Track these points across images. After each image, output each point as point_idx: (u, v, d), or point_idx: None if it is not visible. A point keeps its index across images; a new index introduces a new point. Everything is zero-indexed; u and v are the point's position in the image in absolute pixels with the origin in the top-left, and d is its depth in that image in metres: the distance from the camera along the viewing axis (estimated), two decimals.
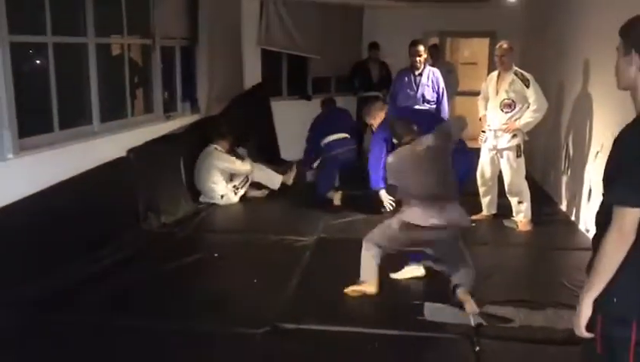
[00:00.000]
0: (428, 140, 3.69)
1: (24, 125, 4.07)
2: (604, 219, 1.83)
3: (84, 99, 4.86)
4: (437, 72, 5.67)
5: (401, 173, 3.77)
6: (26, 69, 4.58)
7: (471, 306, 3.55)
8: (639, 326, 1.79)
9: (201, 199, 6.05)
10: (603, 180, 1.86)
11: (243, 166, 6.24)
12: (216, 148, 6.11)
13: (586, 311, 1.85)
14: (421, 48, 5.56)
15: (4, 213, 3.69)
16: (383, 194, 3.83)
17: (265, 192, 6.41)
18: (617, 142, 1.81)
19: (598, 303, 1.84)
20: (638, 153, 1.72)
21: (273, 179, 6.38)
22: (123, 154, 5.00)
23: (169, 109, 6.24)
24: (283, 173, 6.45)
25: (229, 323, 3.43)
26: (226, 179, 6.09)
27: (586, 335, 1.88)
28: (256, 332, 3.29)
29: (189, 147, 5.97)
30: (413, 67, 5.64)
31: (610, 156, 1.83)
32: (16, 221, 3.76)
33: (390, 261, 4.05)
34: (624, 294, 1.80)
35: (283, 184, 6.44)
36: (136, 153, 5.10)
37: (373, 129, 4.97)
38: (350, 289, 3.87)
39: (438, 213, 3.57)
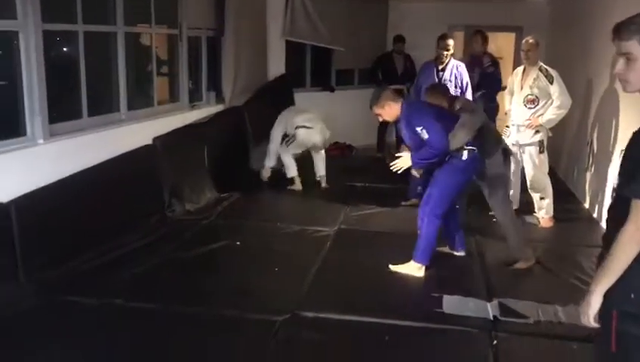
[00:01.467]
0: None
1: (54, 111, 4.16)
2: (618, 214, 1.83)
3: (112, 86, 4.95)
4: (462, 66, 5.62)
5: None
6: (57, 57, 4.67)
7: None
8: None
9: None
10: (620, 175, 1.86)
11: None
12: None
13: (595, 302, 1.84)
14: (450, 42, 5.52)
15: (33, 197, 3.78)
16: None
17: (299, 186, 6.50)
18: (637, 137, 1.81)
19: (613, 298, 1.83)
20: None
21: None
22: (149, 142, 5.08)
23: (194, 99, 6.31)
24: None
25: (249, 310, 3.49)
26: None
27: (594, 324, 1.88)
28: (276, 319, 3.35)
29: (213, 137, 6.03)
30: (438, 60, 5.62)
31: (629, 151, 1.83)
32: (45, 205, 3.85)
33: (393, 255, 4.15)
34: None
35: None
36: (162, 141, 5.18)
37: (382, 119, 4.18)
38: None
39: None
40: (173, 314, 3.46)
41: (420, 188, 5.71)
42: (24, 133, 3.94)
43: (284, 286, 3.85)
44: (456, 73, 5.56)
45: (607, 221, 1.97)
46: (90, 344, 3.10)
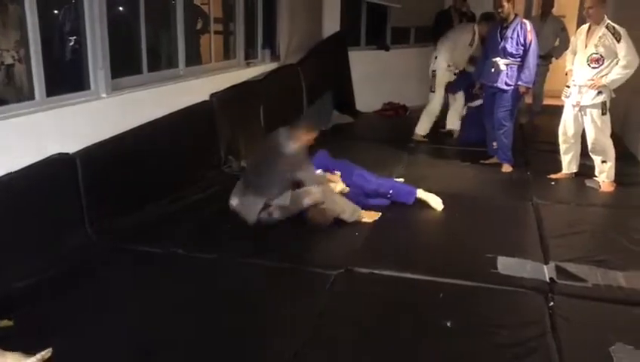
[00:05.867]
0: None
1: (116, 66, 4.24)
2: None
3: (171, 43, 5.01)
4: (527, 24, 5.42)
5: None
6: (118, 13, 4.75)
7: None
8: None
9: None
10: None
11: None
12: None
13: None
14: (504, 3, 5.41)
15: (97, 149, 3.89)
16: None
17: None
18: None
19: None
20: None
21: None
22: (206, 98, 5.15)
23: (250, 56, 6.34)
24: None
25: (305, 264, 3.55)
26: None
27: None
28: (331, 273, 3.40)
29: (268, 94, 6.05)
30: (500, 19, 5.52)
31: None
32: (108, 158, 3.96)
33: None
34: None
35: None
36: (219, 97, 5.24)
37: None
38: None
39: None
40: (233, 264, 3.55)
41: (494, 143, 5.70)
42: (88, 87, 4.06)
43: (340, 243, 3.89)
44: (518, 31, 5.41)
45: None
46: (154, 290, 3.21)
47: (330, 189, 4.17)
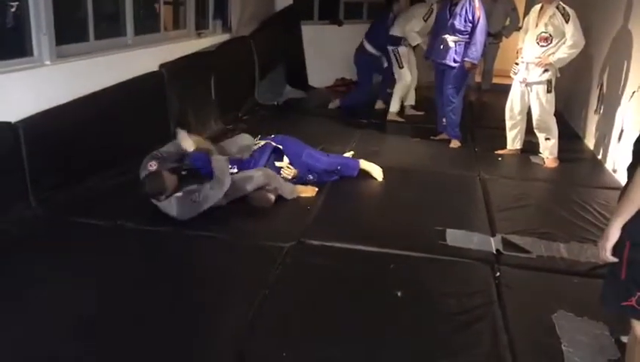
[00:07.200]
0: None
1: (61, 33, 4.08)
2: None
3: (119, 11, 4.85)
4: (476, 1, 5.47)
5: None
6: None
7: None
8: None
9: None
10: None
11: None
12: None
13: (613, 235, 1.89)
14: None
15: (41, 118, 3.75)
16: None
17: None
18: None
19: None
20: None
21: None
22: (155, 68, 5.02)
23: (200, 27, 6.20)
24: None
25: (257, 237, 3.55)
26: None
27: (611, 259, 1.93)
28: (284, 246, 3.40)
29: (219, 66, 5.95)
30: None
31: None
32: (53, 127, 3.82)
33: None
34: None
35: None
36: (169, 68, 5.10)
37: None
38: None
39: None
40: (184, 237, 3.51)
41: (444, 120, 5.77)
42: (31, 53, 3.88)
43: (292, 217, 3.89)
44: (467, 7, 5.47)
45: (632, 153, 1.98)
46: (101, 264, 3.15)
47: (270, 172, 4.13)
